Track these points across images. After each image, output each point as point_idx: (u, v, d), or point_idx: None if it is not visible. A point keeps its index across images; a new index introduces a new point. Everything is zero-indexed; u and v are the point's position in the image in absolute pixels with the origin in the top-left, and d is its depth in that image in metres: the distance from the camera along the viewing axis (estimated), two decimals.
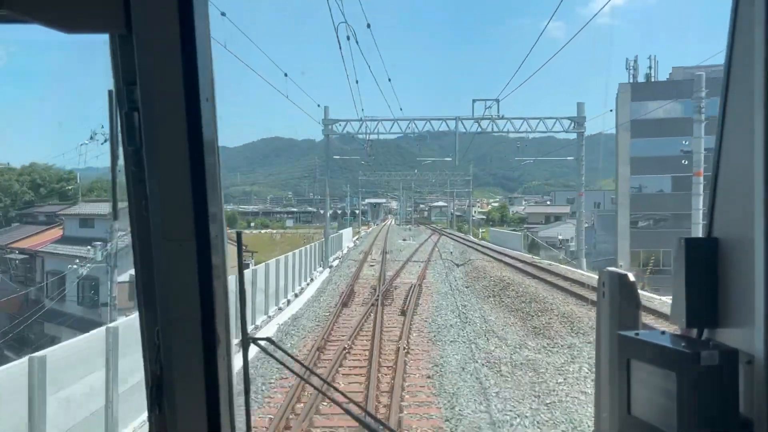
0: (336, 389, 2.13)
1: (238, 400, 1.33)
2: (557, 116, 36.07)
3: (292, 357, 1.87)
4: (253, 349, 1.42)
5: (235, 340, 1.44)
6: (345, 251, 45.94)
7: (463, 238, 62.83)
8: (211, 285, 1.25)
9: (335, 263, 36.33)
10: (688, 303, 1.07)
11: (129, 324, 9.83)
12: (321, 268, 33.35)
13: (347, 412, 1.72)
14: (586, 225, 59.49)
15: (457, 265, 33.90)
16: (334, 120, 36.82)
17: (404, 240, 58.15)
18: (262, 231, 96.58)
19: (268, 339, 1.46)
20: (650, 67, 53.80)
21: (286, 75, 26.39)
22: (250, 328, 16.06)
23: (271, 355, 1.57)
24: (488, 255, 39.29)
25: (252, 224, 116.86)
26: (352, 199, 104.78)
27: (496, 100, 35.21)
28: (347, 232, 58.29)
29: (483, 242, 59.34)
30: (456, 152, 40.25)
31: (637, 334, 1.10)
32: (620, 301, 1.18)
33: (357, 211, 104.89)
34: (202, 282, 1.24)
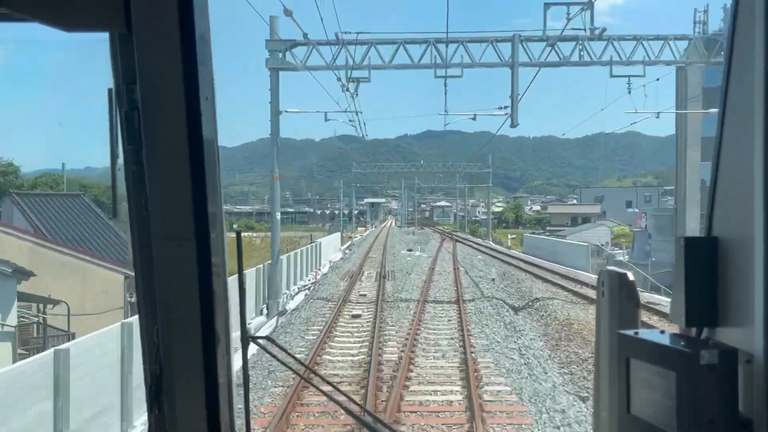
0: (336, 388, 2.13)
1: (238, 400, 1.35)
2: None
3: (292, 356, 1.89)
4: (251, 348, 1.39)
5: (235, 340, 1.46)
6: (324, 270, 30.16)
7: (485, 246, 51.12)
8: (211, 284, 1.26)
9: (295, 302, 21.46)
10: (687, 302, 1.08)
11: None
12: (264, 317, 18.36)
13: (347, 411, 1.73)
14: (636, 229, 51.17)
15: (516, 310, 19.41)
16: (291, 42, 19.88)
17: (410, 251, 42.41)
18: (243, 235, 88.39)
19: (267, 338, 1.47)
20: (724, 20, 45.15)
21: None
22: None
23: (272, 354, 1.59)
24: (553, 283, 24.85)
25: (235, 226, 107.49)
26: (348, 197, 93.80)
27: (587, 2, 19.01)
28: (330, 240, 42.65)
29: (515, 252, 46.11)
30: (515, 97, 20.41)
31: (636, 333, 1.11)
32: (620, 301, 1.20)
33: (353, 211, 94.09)
34: (202, 281, 1.25)
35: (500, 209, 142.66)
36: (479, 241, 61.66)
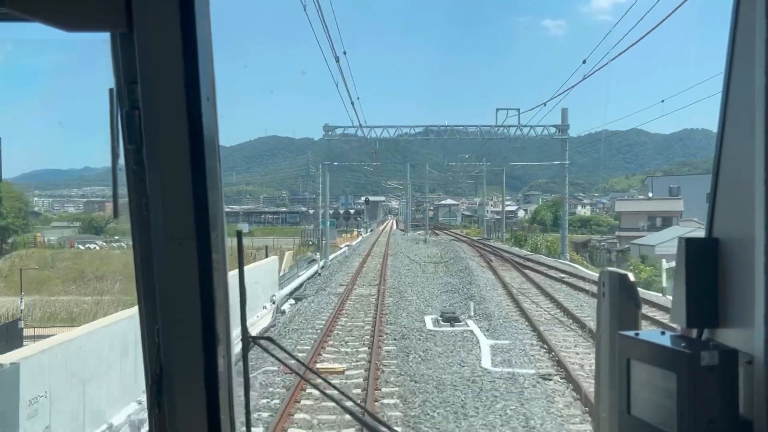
0: (336, 388, 2.15)
1: (238, 399, 1.36)
2: None
3: (292, 356, 1.91)
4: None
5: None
6: None
7: (580, 276, 25.08)
8: (212, 284, 1.28)
9: None
10: (688, 303, 1.09)
11: None
12: None
13: (347, 411, 1.75)
14: None
15: None
16: None
17: (452, 321, 15.42)
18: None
19: (268, 338, 1.49)
20: None
21: None
22: None
23: (272, 354, 1.61)
24: None
25: None
26: (345, 195, 78.75)
27: None
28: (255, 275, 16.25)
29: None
30: None
31: (637, 334, 1.12)
32: (620, 302, 1.21)
33: (339, 211, 78.11)
34: (203, 281, 1.27)
35: (515, 208, 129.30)
36: (546, 260, 36.44)
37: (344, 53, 22.03)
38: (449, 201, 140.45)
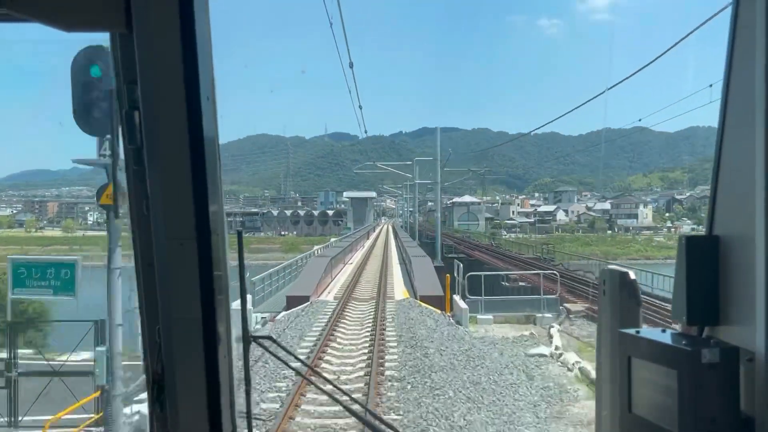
0: (338, 388, 2.19)
1: (239, 398, 1.40)
2: None
3: (294, 356, 1.95)
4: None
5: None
6: None
7: None
8: (212, 284, 1.31)
9: None
10: (689, 301, 1.13)
11: None
12: None
13: (349, 410, 1.79)
14: None
15: None
16: None
17: None
18: None
19: (269, 337, 1.53)
20: None
21: None
22: None
23: (273, 354, 1.64)
24: None
25: None
26: (335, 191, 57.75)
27: None
28: None
29: None
30: None
31: (638, 331, 1.17)
32: (621, 299, 1.26)
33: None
34: (203, 281, 1.30)
35: (553, 209, 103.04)
36: None
37: (351, 65, 21.93)
38: (467, 198, 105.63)
